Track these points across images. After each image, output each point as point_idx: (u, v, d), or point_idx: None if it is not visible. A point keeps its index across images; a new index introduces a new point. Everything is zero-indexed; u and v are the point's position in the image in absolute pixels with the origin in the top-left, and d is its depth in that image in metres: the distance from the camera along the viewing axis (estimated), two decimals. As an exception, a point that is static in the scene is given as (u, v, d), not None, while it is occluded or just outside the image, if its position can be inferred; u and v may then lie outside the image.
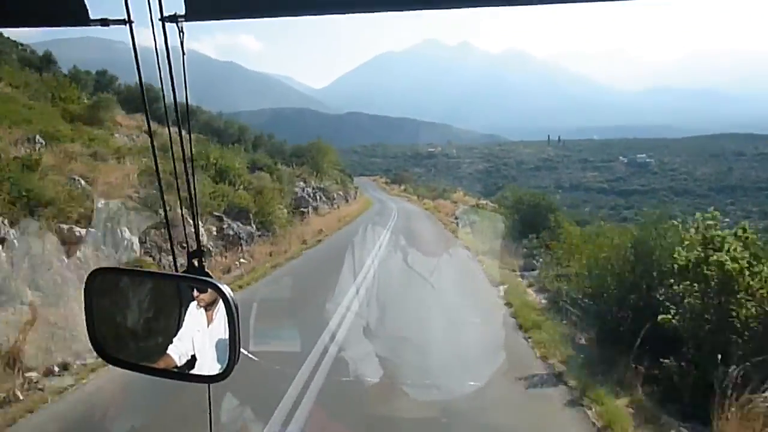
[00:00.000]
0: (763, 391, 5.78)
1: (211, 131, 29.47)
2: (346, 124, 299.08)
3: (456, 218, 33.59)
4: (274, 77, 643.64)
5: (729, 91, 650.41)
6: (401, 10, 1.23)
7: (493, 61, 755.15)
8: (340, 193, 39.05)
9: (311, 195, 28.57)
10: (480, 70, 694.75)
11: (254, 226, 18.15)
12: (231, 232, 16.46)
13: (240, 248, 16.60)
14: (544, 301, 12.54)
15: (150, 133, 1.60)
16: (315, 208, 27.84)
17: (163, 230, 12.13)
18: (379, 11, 1.26)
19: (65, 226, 10.16)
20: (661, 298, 7.99)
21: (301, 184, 28.66)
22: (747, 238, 7.28)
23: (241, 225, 17.22)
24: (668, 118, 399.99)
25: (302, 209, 25.32)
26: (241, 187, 19.32)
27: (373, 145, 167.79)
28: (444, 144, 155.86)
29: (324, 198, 31.45)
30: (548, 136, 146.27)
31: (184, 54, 1.31)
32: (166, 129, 1.45)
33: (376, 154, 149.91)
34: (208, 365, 1.46)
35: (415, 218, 34.32)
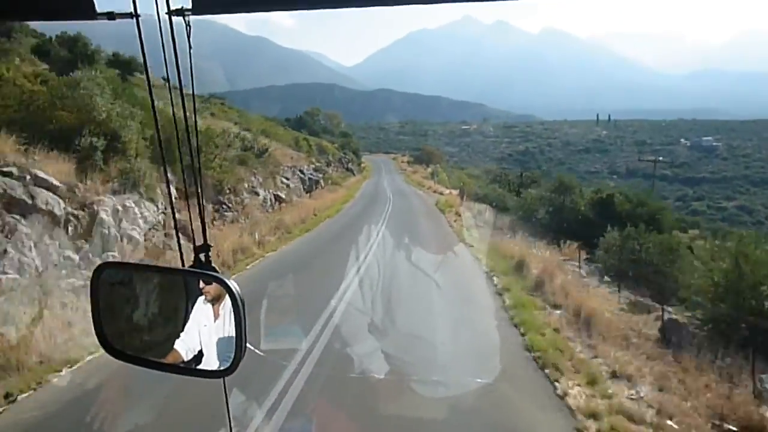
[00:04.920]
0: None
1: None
2: (375, 101, 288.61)
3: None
4: (305, 53, 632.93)
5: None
6: (417, 3, 1.17)
7: (531, 40, 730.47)
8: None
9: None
10: (517, 49, 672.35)
11: None
12: None
13: None
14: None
15: (156, 128, 1.58)
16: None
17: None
18: (399, 4, 1.20)
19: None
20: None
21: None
22: None
23: None
24: (715, 102, 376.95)
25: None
26: None
27: (402, 122, 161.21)
28: (479, 122, 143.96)
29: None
30: (597, 115, 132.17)
31: (190, 48, 1.34)
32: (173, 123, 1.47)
33: (405, 132, 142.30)
34: (215, 360, 1.48)
35: None
